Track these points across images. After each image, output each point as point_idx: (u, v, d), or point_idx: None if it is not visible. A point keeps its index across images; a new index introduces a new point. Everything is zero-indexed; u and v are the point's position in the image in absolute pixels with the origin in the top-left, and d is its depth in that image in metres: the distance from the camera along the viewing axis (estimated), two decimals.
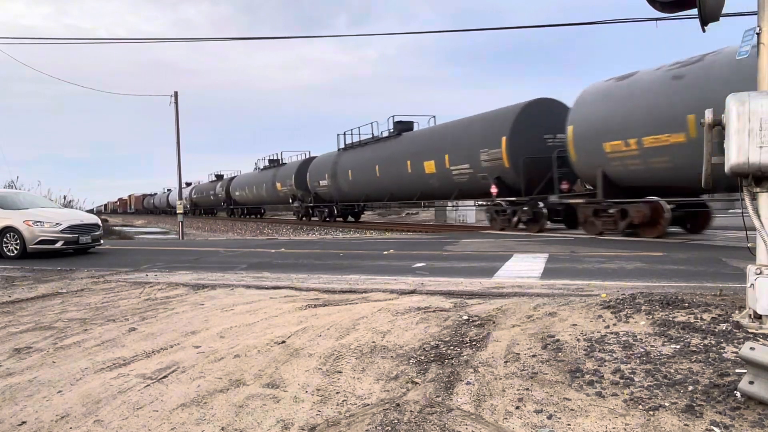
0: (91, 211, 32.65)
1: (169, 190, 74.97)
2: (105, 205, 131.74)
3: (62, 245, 12.90)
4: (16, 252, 12.60)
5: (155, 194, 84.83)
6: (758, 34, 4.03)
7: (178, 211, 27.76)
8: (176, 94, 27.45)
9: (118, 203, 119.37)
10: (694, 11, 4.39)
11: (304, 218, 34.09)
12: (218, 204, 54.26)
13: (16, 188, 25.44)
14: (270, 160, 42.11)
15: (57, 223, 12.91)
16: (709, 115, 4.04)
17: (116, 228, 40.63)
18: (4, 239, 12.70)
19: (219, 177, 55.63)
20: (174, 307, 6.08)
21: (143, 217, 77.54)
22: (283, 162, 39.78)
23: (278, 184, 36.88)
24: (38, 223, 12.74)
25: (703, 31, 4.46)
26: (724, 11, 4.38)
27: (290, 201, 35.56)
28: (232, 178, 50.14)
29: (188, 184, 65.15)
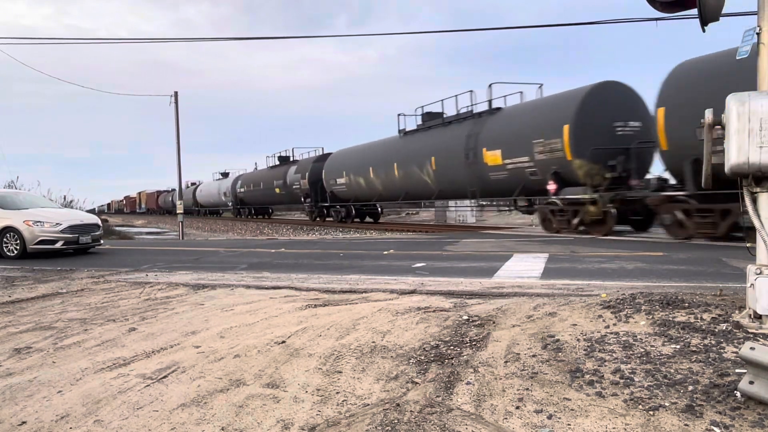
0: (92, 211, 32.63)
1: (193, 183, 60.93)
2: (108, 204, 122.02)
3: (62, 245, 12.90)
4: (16, 252, 12.60)
5: (173, 190, 66.22)
6: (758, 34, 4.03)
7: (178, 211, 27.77)
8: (176, 94, 27.46)
9: (124, 202, 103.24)
10: (694, 11, 4.39)
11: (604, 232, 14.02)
12: (289, 200, 34.31)
13: (16, 188, 25.44)
14: (428, 114, 20.95)
15: (57, 223, 12.92)
16: (709, 115, 4.04)
17: (116, 228, 40.66)
18: (4, 239, 12.70)
19: (285, 159, 36.42)
20: (174, 307, 6.08)
21: (144, 217, 72.46)
22: (475, 112, 18.58)
23: (490, 153, 16.80)
24: (38, 223, 12.75)
25: (703, 31, 4.46)
26: (724, 11, 4.38)
27: (550, 189, 15.14)
28: (322, 158, 29.92)
29: (224, 175, 51.12)
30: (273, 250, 13.31)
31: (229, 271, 9.15)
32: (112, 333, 4.90)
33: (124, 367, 3.87)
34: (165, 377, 3.62)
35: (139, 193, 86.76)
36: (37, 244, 12.65)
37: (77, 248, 13.42)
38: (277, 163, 37.72)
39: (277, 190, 35.33)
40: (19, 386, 3.55)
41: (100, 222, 14.89)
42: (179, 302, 6.37)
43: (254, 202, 42.62)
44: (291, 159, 36.00)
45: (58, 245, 12.85)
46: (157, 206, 71.18)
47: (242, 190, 42.53)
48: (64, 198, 30.77)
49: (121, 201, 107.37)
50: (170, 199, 64.78)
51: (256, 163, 51.93)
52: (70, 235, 13.01)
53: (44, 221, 12.84)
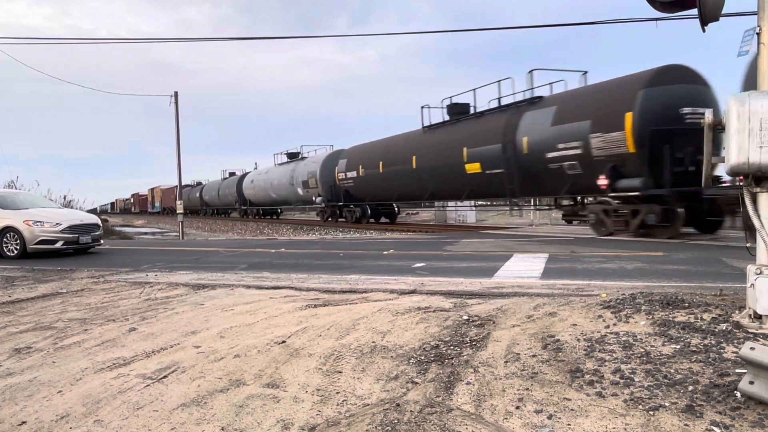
0: (93, 211, 32.60)
1: (232, 174, 46.55)
2: (113, 204, 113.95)
3: (62, 245, 12.90)
4: (16, 252, 12.60)
5: (200, 184, 53.70)
6: (758, 34, 4.03)
7: (177, 211, 27.78)
8: (176, 94, 27.46)
9: (132, 200, 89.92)
10: (694, 11, 4.39)
11: None
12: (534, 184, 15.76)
13: (16, 188, 25.45)
14: None
15: (57, 223, 12.92)
16: (709, 115, 4.04)
17: (116, 228, 40.64)
18: (4, 239, 12.70)
19: (461, 107, 19.79)
20: (174, 307, 6.08)
21: (144, 217, 69.13)
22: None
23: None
24: (38, 223, 12.75)
25: (703, 31, 4.46)
26: (724, 11, 4.38)
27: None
28: (581, 93, 14.73)
29: (293, 156, 34.01)
30: (273, 250, 13.31)
31: (229, 271, 9.15)
32: (112, 333, 4.90)
33: (124, 367, 3.87)
34: (165, 377, 3.62)
35: (152, 190, 71.21)
36: (37, 244, 12.66)
37: (77, 248, 13.43)
38: (444, 118, 20.03)
39: (471, 168, 17.70)
40: (19, 386, 3.55)
41: (100, 222, 14.91)
42: (179, 302, 6.37)
43: (379, 195, 23.72)
44: (493, 106, 17.78)
45: (58, 245, 12.85)
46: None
47: (351, 175, 24.62)
48: (64, 198, 30.80)
49: (128, 199, 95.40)
50: (197, 195, 52.54)
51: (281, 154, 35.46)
52: (70, 235, 13.02)
53: (44, 221, 12.85)
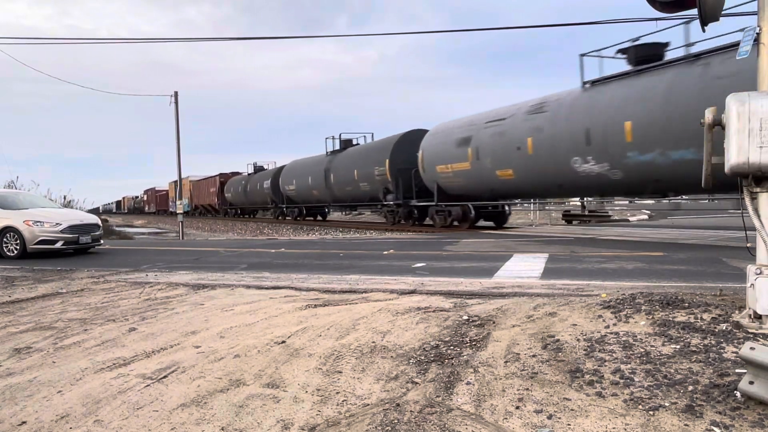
0: (94, 211, 32.52)
1: (347, 141, 27.30)
2: (119, 203, 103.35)
3: (62, 245, 12.91)
4: (16, 252, 12.61)
5: (262, 170, 38.05)
6: (758, 34, 4.03)
7: (177, 211, 27.78)
8: (176, 94, 27.44)
9: (146, 198, 73.08)
10: (694, 11, 4.39)
11: None
12: None
13: (16, 188, 25.44)
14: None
15: (57, 223, 12.93)
16: (709, 115, 4.04)
17: (117, 228, 40.61)
18: (4, 239, 12.71)
19: None
20: (174, 307, 6.08)
21: (145, 217, 66.71)
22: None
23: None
24: (38, 223, 12.76)
25: (703, 30, 4.46)
26: (724, 11, 4.38)
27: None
28: None
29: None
30: (273, 250, 13.31)
31: (229, 271, 9.15)
32: (112, 333, 4.90)
33: (124, 367, 3.87)
34: (165, 377, 3.62)
35: (173, 183, 45.56)
36: (37, 244, 12.66)
37: (77, 248, 13.43)
38: None
39: None
40: (19, 386, 3.55)
41: (100, 222, 14.92)
42: (179, 302, 6.37)
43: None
44: None
45: (58, 245, 12.85)
46: (221, 202, 42.89)
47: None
48: (64, 198, 30.79)
49: (139, 197, 79.42)
50: (263, 186, 35.25)
51: None
52: (70, 235, 13.02)
53: (44, 221, 12.85)
